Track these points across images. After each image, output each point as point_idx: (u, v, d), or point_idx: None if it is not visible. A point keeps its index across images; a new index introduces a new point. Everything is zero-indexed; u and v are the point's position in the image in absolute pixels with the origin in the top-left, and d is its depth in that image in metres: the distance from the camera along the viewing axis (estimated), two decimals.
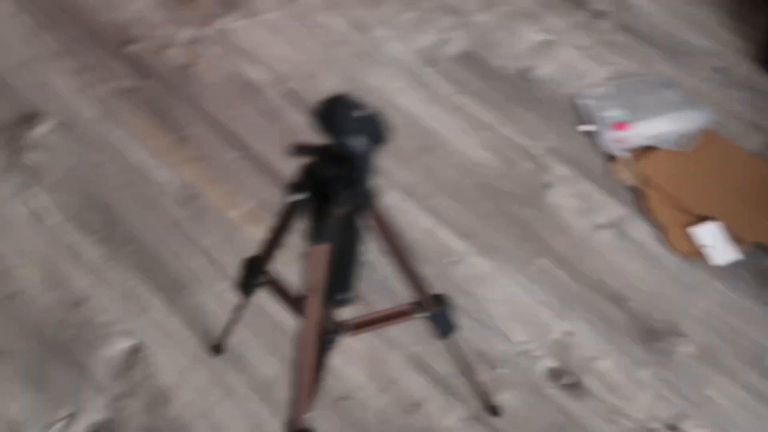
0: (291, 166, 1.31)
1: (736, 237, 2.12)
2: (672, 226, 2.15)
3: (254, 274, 1.59)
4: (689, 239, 2.12)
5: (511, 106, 2.39)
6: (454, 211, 2.18)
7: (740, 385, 1.91)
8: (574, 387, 1.90)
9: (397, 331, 1.95)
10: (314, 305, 1.33)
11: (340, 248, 1.33)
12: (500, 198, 2.21)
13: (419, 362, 1.91)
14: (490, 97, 2.41)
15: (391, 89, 2.42)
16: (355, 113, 1.24)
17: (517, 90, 2.43)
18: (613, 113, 2.35)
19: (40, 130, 2.29)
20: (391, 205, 2.19)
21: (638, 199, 2.20)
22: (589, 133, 2.33)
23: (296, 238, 1.34)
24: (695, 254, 2.10)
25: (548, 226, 2.16)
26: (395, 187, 2.22)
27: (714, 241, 2.11)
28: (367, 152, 1.25)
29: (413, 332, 1.93)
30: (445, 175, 2.25)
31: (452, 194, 2.22)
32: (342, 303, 1.40)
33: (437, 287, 2.02)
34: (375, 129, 1.25)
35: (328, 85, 2.42)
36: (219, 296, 1.98)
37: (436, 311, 1.56)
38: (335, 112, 1.23)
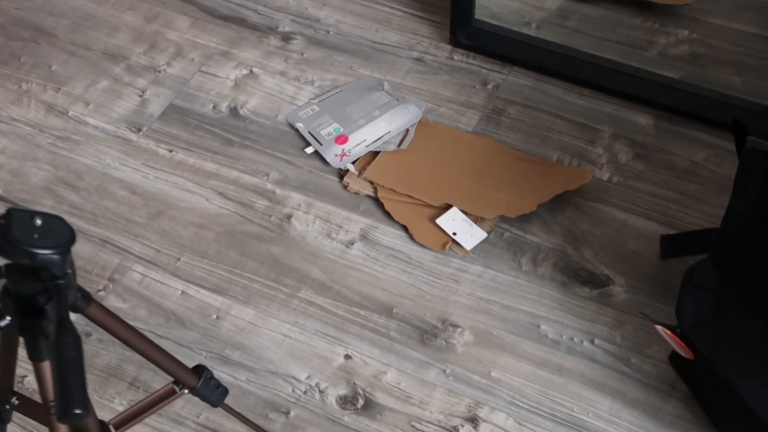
0: None
1: (477, 218, 2.16)
2: (415, 225, 2.17)
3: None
4: (437, 232, 2.15)
5: (230, 148, 2.35)
6: (203, 268, 2.13)
7: (522, 358, 1.95)
8: (369, 407, 1.89)
9: (177, 405, 1.89)
10: (59, 424, 1.27)
11: (59, 360, 1.25)
12: (245, 242, 2.17)
13: (211, 430, 1.86)
14: (207, 144, 2.36)
15: (104, 164, 2.33)
16: (32, 225, 1.17)
17: (232, 130, 2.39)
18: (330, 128, 2.35)
19: None
20: (137, 281, 2.10)
21: (378, 206, 2.22)
22: (315, 154, 2.32)
23: None
24: (446, 245, 2.13)
25: (300, 256, 2.14)
26: (136, 262, 2.14)
27: (458, 227, 2.15)
28: (56, 260, 1.18)
29: (194, 401, 1.87)
30: (184, 235, 2.19)
31: (196, 252, 2.16)
32: (80, 417, 1.31)
33: (208, 348, 1.98)
34: (59, 234, 1.19)
35: (39, 178, 2.30)
36: None
37: (197, 385, 1.51)
38: (8, 229, 1.16)
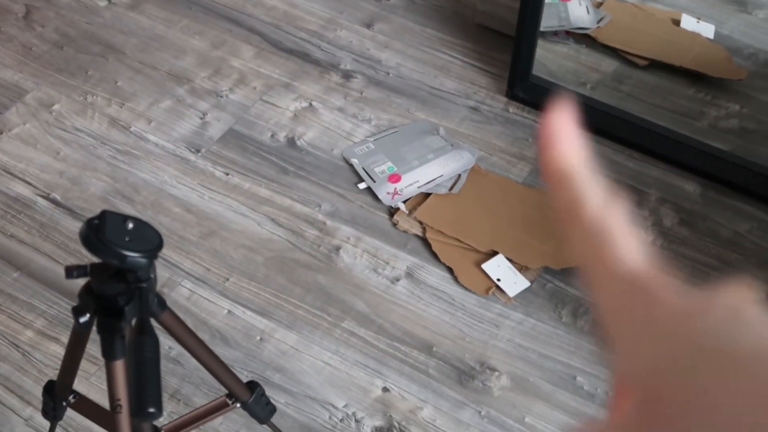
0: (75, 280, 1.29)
1: (522, 266, 2.21)
2: (460, 268, 2.22)
3: (58, 397, 1.54)
4: (481, 276, 2.20)
5: (285, 177, 2.41)
6: (250, 290, 2.18)
7: (556, 408, 1.99)
8: None
9: (218, 421, 1.93)
10: (123, 422, 1.31)
11: (137, 360, 1.31)
12: (293, 269, 2.22)
13: None
14: (263, 171, 2.42)
15: (161, 181, 2.39)
16: (124, 228, 1.23)
17: (288, 160, 2.45)
18: (384, 167, 2.41)
19: None
20: (185, 297, 2.16)
21: (425, 246, 2.27)
22: (367, 190, 2.38)
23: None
24: (489, 291, 2.18)
25: (345, 288, 2.18)
26: (186, 278, 2.19)
27: (502, 274, 2.19)
28: (143, 263, 1.24)
29: (234, 419, 1.91)
30: (234, 257, 2.24)
31: (244, 274, 2.21)
32: (154, 416, 1.37)
33: (250, 368, 2.03)
34: (148, 239, 1.25)
35: (97, 188, 2.36)
36: (27, 423, 1.89)
37: (249, 399, 1.56)
38: (101, 230, 1.22)
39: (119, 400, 1.30)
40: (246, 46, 2.76)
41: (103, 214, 1.23)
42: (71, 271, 1.27)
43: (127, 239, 1.21)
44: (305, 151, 2.48)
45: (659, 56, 2.69)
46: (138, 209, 2.33)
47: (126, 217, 1.24)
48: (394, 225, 2.31)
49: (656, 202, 2.37)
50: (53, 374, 1.92)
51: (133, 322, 1.30)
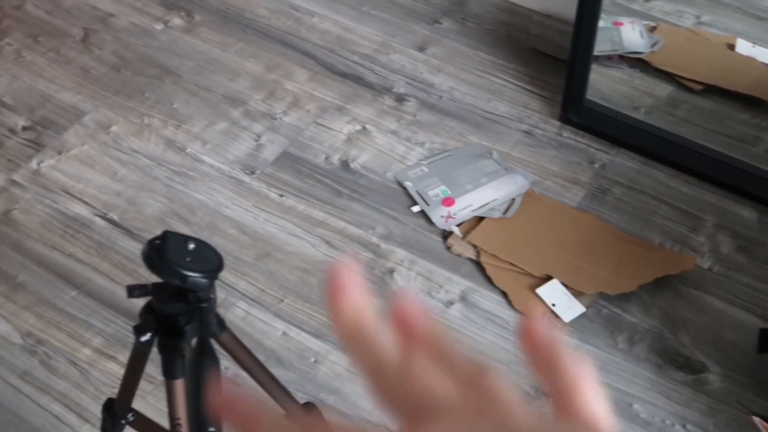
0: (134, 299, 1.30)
1: (577, 292, 2.20)
2: (514, 292, 2.21)
3: (117, 415, 1.56)
4: (535, 301, 2.19)
5: (339, 200, 2.42)
6: (305, 312, 2.19)
7: None
8: None
9: None
10: None
11: (197, 379, 1.32)
12: None
13: None
14: (317, 193, 2.43)
15: (216, 202, 2.41)
16: (185, 248, 1.24)
17: (342, 182, 2.46)
18: (438, 190, 2.41)
19: None
20: (240, 317, 2.17)
21: (479, 270, 2.26)
22: (421, 214, 2.38)
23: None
24: (544, 315, 2.17)
25: None
26: (241, 299, 2.21)
27: (557, 299, 2.18)
28: (204, 283, 1.25)
29: None
30: (288, 278, 2.25)
31: (299, 296, 2.22)
32: None
33: (305, 390, 2.03)
34: (208, 260, 1.26)
35: (154, 209, 2.39)
36: None
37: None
38: (163, 251, 1.23)
39: (179, 419, 1.31)
40: (300, 70, 2.78)
41: (165, 235, 1.25)
42: (133, 291, 1.28)
43: (188, 259, 1.22)
44: (359, 174, 2.49)
45: (714, 81, 2.68)
46: (194, 230, 2.35)
47: (187, 238, 1.25)
48: (448, 248, 2.31)
49: (713, 228, 2.35)
50: (110, 392, 1.94)
51: (193, 341, 1.32)
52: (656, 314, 2.18)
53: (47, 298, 2.20)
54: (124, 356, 2.07)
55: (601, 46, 2.63)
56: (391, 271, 2.26)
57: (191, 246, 1.24)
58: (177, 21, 2.92)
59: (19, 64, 2.77)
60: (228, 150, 2.54)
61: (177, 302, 1.26)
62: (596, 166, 2.51)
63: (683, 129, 2.60)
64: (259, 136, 2.58)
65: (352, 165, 2.51)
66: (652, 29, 2.82)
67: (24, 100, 2.66)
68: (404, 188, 2.45)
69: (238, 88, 2.72)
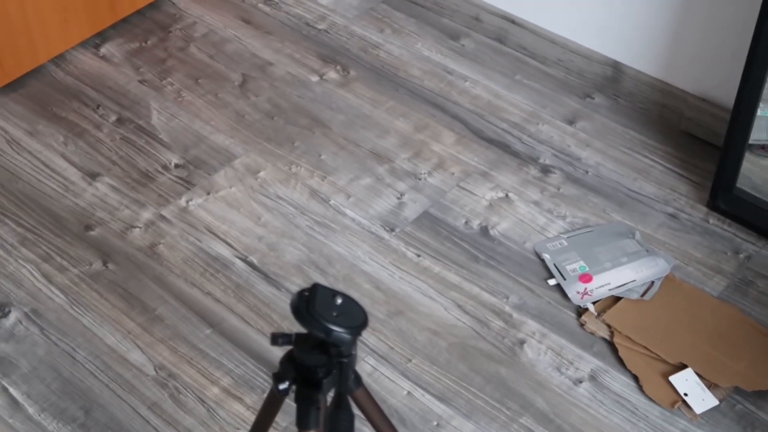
0: (266, 340, 1.32)
1: (711, 383, 2.15)
2: (646, 377, 2.17)
3: None
4: (667, 388, 2.14)
5: (475, 265, 2.42)
6: (431, 374, 2.19)
7: None
8: None
9: None
10: None
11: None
12: (475, 358, 2.22)
13: None
14: (454, 256, 2.44)
15: (354, 256, 2.44)
16: (332, 303, 1.26)
17: (479, 248, 2.46)
18: (576, 265, 2.39)
19: (7, 322, 2.25)
20: (368, 372, 2.18)
21: (611, 350, 2.23)
22: (556, 287, 2.36)
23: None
24: (675, 404, 2.12)
25: (526, 383, 2.17)
26: (370, 354, 2.22)
27: (690, 389, 2.13)
28: (347, 339, 1.27)
29: None
30: (418, 339, 2.26)
31: (427, 357, 2.22)
32: None
33: None
34: (354, 316, 1.28)
35: (293, 256, 2.43)
36: None
37: None
38: (312, 303, 1.25)
39: None
40: (448, 132, 2.80)
41: (315, 287, 1.27)
42: (277, 339, 1.31)
43: (334, 314, 1.25)
44: (497, 241, 2.49)
45: None
46: (330, 281, 2.38)
47: (335, 292, 1.27)
48: (582, 325, 2.28)
49: None
50: None
51: (329, 395, 1.33)
52: None
53: (183, 333, 2.25)
54: (251, 399, 2.11)
55: (756, 135, 2.58)
56: (522, 342, 2.25)
57: (339, 301, 1.26)
58: (333, 74, 2.98)
59: (178, 103, 2.86)
60: (370, 205, 2.57)
61: (319, 354, 1.28)
62: (741, 256, 2.45)
63: None
64: (402, 195, 2.61)
65: (491, 232, 2.51)
66: None
67: (179, 139, 2.75)
68: (542, 260, 2.43)
69: (385, 145, 2.75)
